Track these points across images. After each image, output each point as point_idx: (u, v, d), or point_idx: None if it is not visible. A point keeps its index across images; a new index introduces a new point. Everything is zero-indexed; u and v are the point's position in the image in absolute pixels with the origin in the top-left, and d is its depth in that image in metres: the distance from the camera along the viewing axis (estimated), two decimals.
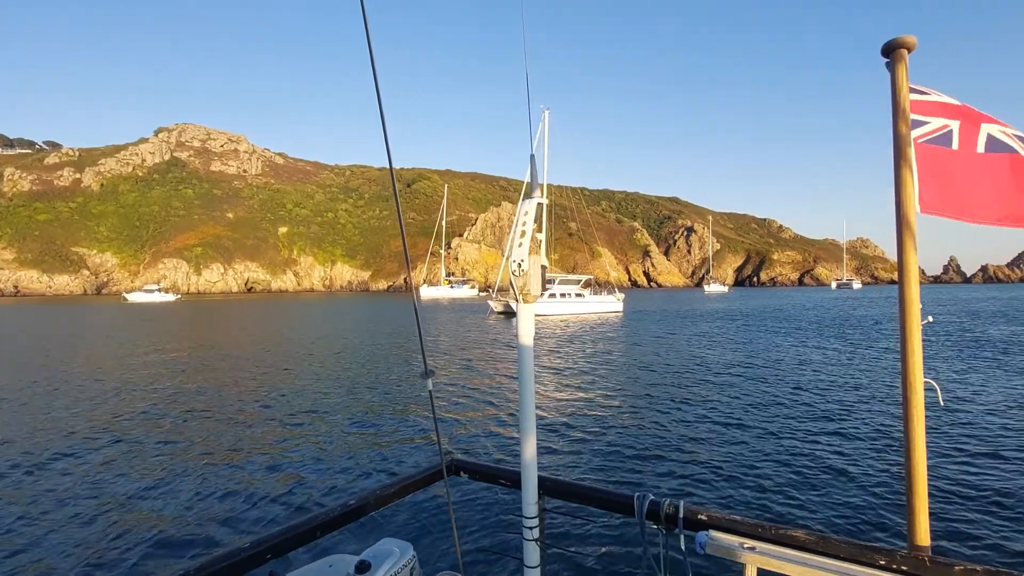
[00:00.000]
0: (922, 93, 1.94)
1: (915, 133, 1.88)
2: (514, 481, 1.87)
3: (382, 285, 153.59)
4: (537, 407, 8.58)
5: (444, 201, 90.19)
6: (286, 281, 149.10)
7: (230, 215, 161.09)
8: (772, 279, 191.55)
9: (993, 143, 1.92)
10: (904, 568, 1.30)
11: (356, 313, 46.03)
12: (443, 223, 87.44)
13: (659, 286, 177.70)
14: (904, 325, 1.79)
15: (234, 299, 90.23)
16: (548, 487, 1.83)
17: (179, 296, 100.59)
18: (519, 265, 1.63)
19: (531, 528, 1.74)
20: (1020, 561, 4.28)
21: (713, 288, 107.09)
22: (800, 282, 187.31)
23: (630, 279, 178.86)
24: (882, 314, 37.18)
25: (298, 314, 45.43)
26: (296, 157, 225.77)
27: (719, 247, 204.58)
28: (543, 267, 1.73)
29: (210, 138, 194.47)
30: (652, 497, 1.67)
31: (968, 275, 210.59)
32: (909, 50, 1.81)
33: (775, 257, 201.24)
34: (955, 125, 1.93)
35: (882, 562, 1.33)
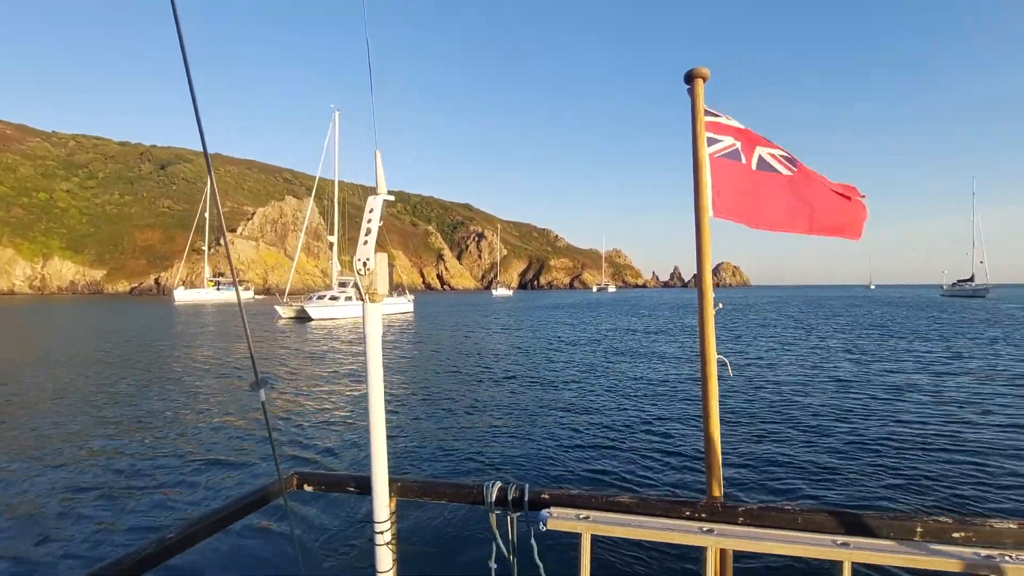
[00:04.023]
0: (715, 116, 2.23)
1: (711, 149, 2.16)
2: (364, 486, 1.84)
3: (123, 287, 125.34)
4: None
5: (208, 188, 77.48)
6: None
7: None
8: (549, 283, 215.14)
9: (762, 163, 2.29)
10: (703, 515, 1.54)
11: (95, 321, 36.24)
12: (207, 215, 75.12)
13: (452, 289, 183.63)
14: (701, 310, 2.05)
15: None
16: (399, 488, 1.83)
17: None
18: (364, 264, 1.60)
19: (382, 532, 1.73)
20: (788, 496, 5.33)
21: (500, 291, 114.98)
22: (571, 286, 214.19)
23: (424, 282, 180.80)
24: (629, 302, 44.68)
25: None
26: None
27: (506, 253, 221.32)
28: (391, 266, 1.70)
29: None
30: (500, 483, 1.75)
31: (686, 281, 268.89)
32: (705, 79, 2.11)
33: (552, 263, 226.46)
34: (739, 144, 2.27)
35: (687, 513, 1.55)
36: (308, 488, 1.95)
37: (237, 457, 7.03)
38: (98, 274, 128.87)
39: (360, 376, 13.66)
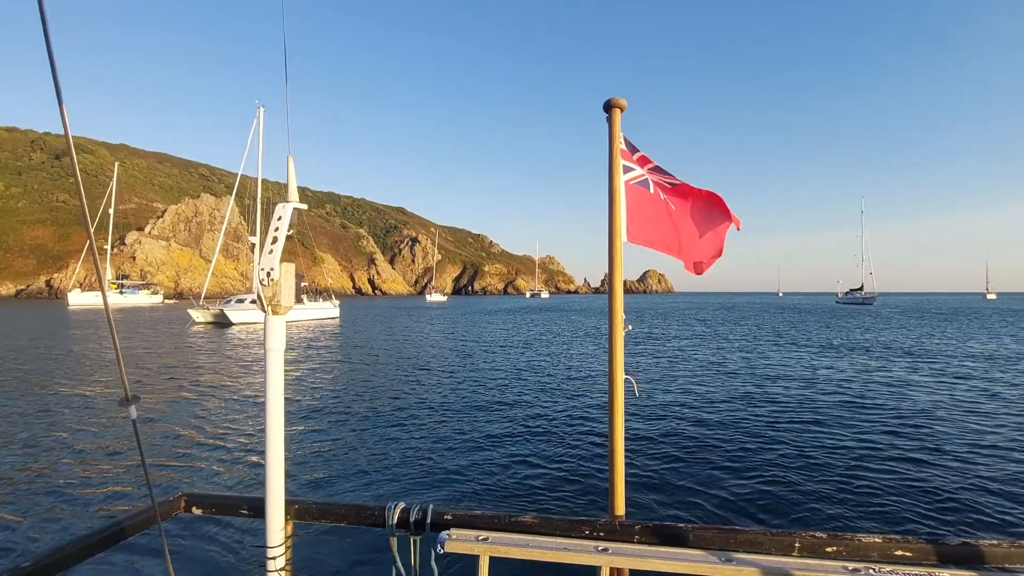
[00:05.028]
0: (630, 145, 2.32)
1: (626, 177, 2.23)
2: (258, 508, 1.75)
3: (8, 290, 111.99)
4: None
5: (114, 181, 70.74)
6: None
7: None
8: (483, 289, 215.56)
9: (663, 192, 2.41)
10: (601, 534, 1.58)
11: None
12: (111, 211, 68.68)
13: (384, 294, 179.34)
14: (611, 331, 2.09)
15: None
16: (296, 510, 1.76)
17: None
18: (268, 274, 1.55)
19: (275, 558, 1.64)
20: (686, 517, 5.28)
21: (434, 297, 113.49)
22: (505, 291, 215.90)
23: (355, 286, 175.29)
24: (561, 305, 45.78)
25: None
26: None
27: (440, 258, 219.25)
28: (298, 276, 1.66)
29: None
30: (403, 504, 1.72)
31: None
32: (622, 110, 2.18)
33: (486, 269, 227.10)
34: (648, 175, 2.36)
35: (586, 532, 1.59)
36: (197, 511, 1.83)
37: (131, 482, 6.48)
38: None
39: (288, 384, 12.97)
